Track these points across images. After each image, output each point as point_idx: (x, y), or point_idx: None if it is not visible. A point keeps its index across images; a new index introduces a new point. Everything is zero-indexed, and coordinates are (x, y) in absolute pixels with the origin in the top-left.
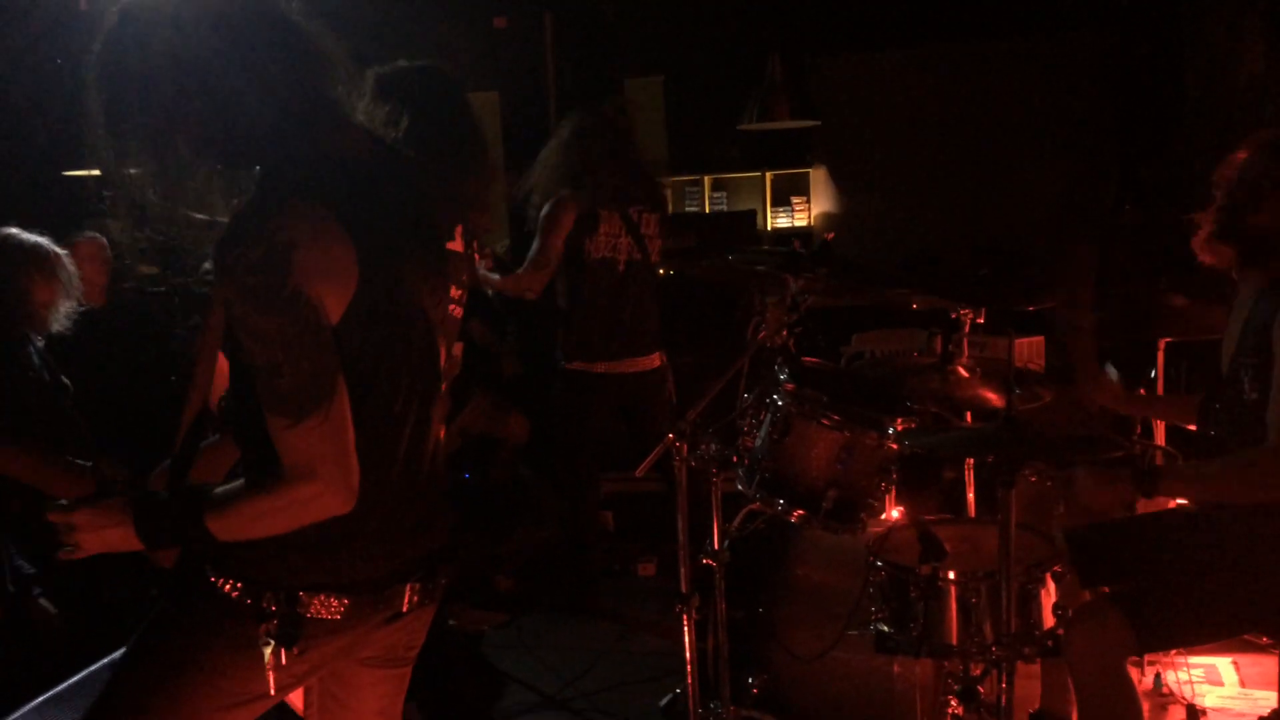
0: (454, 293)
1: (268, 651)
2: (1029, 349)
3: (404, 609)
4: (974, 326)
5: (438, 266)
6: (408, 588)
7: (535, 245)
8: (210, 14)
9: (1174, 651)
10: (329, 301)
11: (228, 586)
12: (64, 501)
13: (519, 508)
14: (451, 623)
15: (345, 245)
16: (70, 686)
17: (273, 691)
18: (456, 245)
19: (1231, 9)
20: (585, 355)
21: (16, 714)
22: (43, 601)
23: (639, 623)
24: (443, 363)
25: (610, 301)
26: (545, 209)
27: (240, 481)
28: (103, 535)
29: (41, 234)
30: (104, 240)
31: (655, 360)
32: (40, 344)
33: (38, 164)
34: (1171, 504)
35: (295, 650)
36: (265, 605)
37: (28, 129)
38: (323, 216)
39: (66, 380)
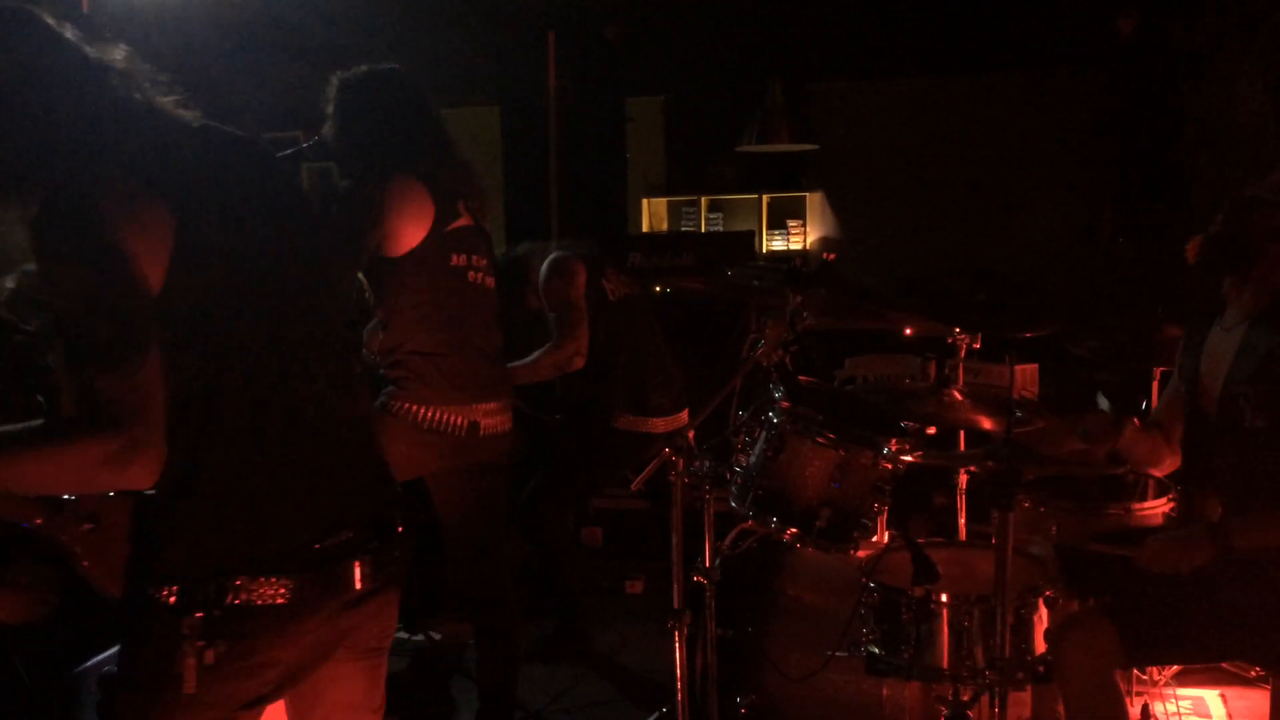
0: (478, 261)
1: (189, 648)
2: (1023, 376)
3: (358, 587)
4: (969, 352)
5: (305, 229)
6: (355, 564)
7: (556, 310)
8: None
9: (1162, 681)
10: (144, 259)
11: (164, 593)
12: None
13: None
14: (436, 636)
15: (157, 205)
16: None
17: (191, 691)
18: (466, 220)
19: (1231, 48)
20: (637, 410)
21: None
22: None
23: (626, 639)
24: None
25: (648, 346)
26: (543, 273)
27: (35, 423)
28: None
29: None
30: None
31: (685, 415)
32: None
33: None
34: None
35: (224, 646)
36: (198, 599)
37: None
38: (128, 181)
39: None
